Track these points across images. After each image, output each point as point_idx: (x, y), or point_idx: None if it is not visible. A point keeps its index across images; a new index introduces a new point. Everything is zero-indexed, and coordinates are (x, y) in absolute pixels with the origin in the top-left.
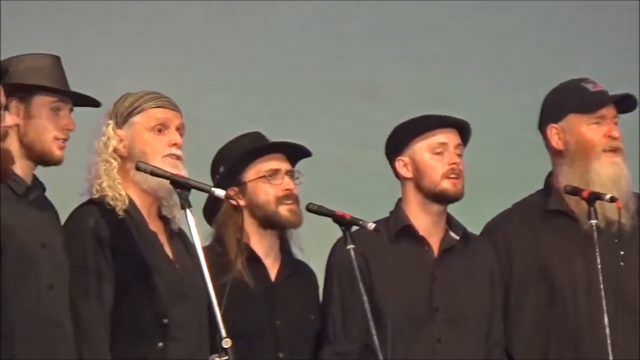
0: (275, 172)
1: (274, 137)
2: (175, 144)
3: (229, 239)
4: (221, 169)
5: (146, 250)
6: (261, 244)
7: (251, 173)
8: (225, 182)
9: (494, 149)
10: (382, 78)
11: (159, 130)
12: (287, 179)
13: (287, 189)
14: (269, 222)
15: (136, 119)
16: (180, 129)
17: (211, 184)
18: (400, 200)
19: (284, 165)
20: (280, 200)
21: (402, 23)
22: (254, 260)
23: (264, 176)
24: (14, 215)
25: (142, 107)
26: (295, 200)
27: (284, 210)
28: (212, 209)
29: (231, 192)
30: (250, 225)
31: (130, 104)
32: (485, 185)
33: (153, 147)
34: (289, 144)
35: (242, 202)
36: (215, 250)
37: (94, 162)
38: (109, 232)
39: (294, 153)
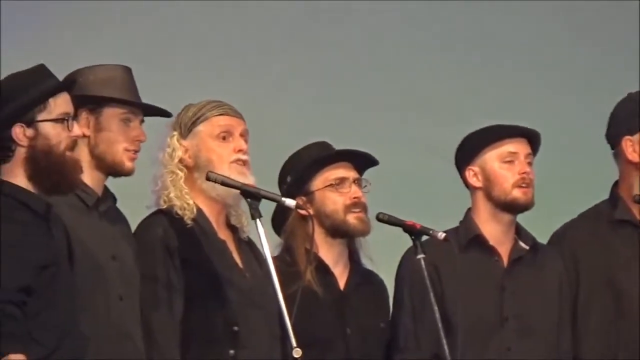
0: (342, 181)
1: (340, 146)
2: (240, 150)
3: (297, 248)
4: (288, 179)
5: (215, 259)
6: (330, 252)
7: (318, 182)
8: (293, 191)
9: (562, 158)
10: (447, 87)
11: (224, 138)
12: (354, 187)
13: (355, 197)
14: (337, 231)
15: (200, 127)
16: (244, 135)
17: (279, 193)
18: (470, 210)
19: (352, 174)
20: (348, 209)
21: (468, 32)
22: (323, 269)
23: (331, 184)
24: (84, 227)
25: (205, 116)
26: (363, 208)
27: (352, 218)
28: (280, 219)
29: (299, 202)
30: (318, 235)
31: (193, 114)
32: (552, 194)
33: (219, 155)
34: (356, 152)
35: (310, 211)
36: (284, 259)
37: (160, 174)
38: (178, 241)
39: (361, 162)
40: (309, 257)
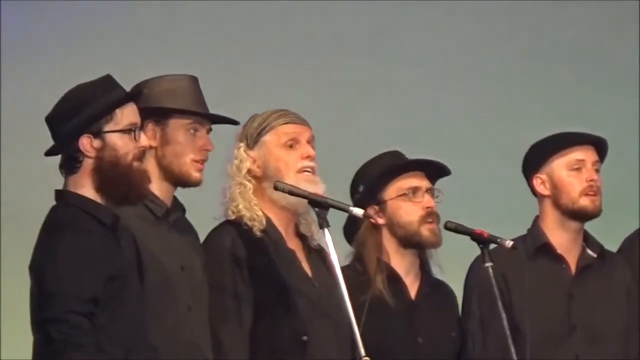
0: (415, 190)
1: (412, 155)
2: (308, 157)
3: (369, 257)
4: (361, 188)
5: (284, 269)
6: (401, 262)
7: (391, 191)
8: (365, 200)
9: (627, 166)
10: (520, 95)
11: (290, 146)
12: (427, 196)
13: (427, 207)
14: (409, 242)
15: (267, 137)
16: (311, 142)
17: (351, 203)
18: (537, 218)
19: (424, 183)
20: (422, 219)
21: (550, 37)
22: (394, 279)
23: (404, 194)
24: (153, 238)
25: (271, 125)
26: (436, 218)
27: (425, 230)
28: (352, 228)
29: (371, 211)
30: (390, 244)
31: (258, 124)
32: (619, 201)
33: (286, 163)
34: (429, 161)
35: (381, 221)
36: (355, 268)
37: (229, 186)
38: (246, 252)
39: (433, 171)
40: (380, 266)
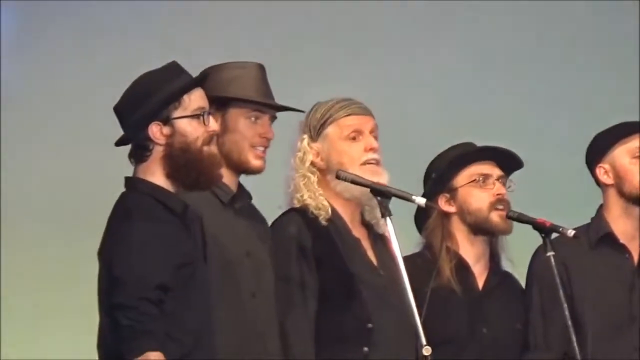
0: (486, 177)
1: None
2: (371, 149)
3: (438, 245)
4: (433, 176)
5: (349, 257)
6: (471, 251)
7: (462, 178)
8: (436, 188)
9: None
10: (584, 84)
11: (353, 138)
12: (498, 184)
13: (498, 194)
14: (479, 228)
15: (329, 130)
16: (374, 131)
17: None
18: (601, 207)
19: (496, 171)
20: (492, 206)
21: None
22: (462, 267)
23: (475, 180)
24: (219, 224)
25: (333, 118)
26: (507, 206)
27: (495, 216)
28: (422, 217)
29: (442, 199)
30: (460, 232)
31: (321, 115)
32: None
33: (350, 156)
34: (501, 149)
35: (452, 209)
36: (424, 256)
37: (293, 177)
38: (312, 240)
39: (506, 162)
40: (449, 255)
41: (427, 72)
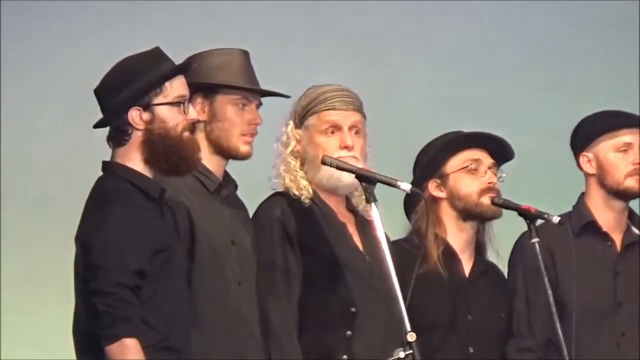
0: (478, 164)
1: None
2: (346, 147)
3: (426, 231)
4: (424, 161)
5: (334, 241)
6: (459, 238)
7: (453, 164)
8: (427, 173)
9: None
10: (580, 71)
11: (332, 132)
12: (490, 173)
13: (489, 182)
14: (469, 214)
15: (310, 121)
16: (355, 126)
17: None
18: (583, 195)
19: (487, 159)
20: (483, 192)
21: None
22: (449, 254)
23: (467, 167)
24: (205, 211)
25: (314, 110)
26: (497, 195)
27: (486, 200)
28: (411, 202)
29: (432, 184)
30: (449, 218)
31: (306, 104)
32: None
33: (324, 150)
34: (493, 136)
35: (442, 194)
36: (412, 242)
37: (275, 163)
38: (296, 222)
39: (498, 153)
40: (437, 241)
41: (419, 59)
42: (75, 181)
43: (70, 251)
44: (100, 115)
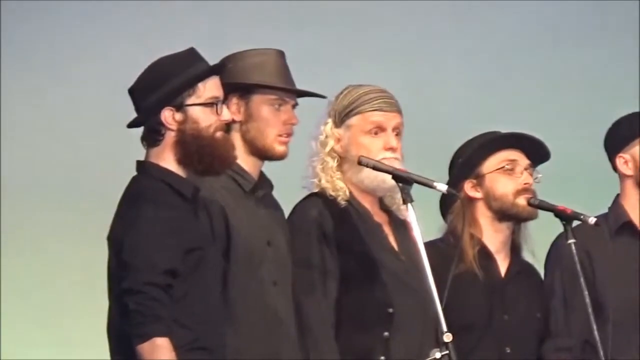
0: (515, 164)
1: None
2: (390, 148)
3: (462, 231)
4: (460, 161)
5: (370, 241)
6: (495, 238)
7: (489, 164)
8: (463, 173)
9: None
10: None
11: (375, 133)
12: (526, 174)
13: (526, 183)
14: (505, 214)
15: (353, 120)
16: (397, 128)
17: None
18: (618, 196)
19: (524, 160)
20: (519, 193)
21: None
22: (485, 254)
23: (503, 167)
24: (241, 212)
25: (358, 110)
26: (534, 196)
27: (522, 201)
28: (447, 202)
29: (468, 185)
30: (485, 218)
31: (348, 103)
32: None
33: (368, 151)
34: (529, 136)
35: (478, 194)
36: (447, 242)
37: (312, 161)
38: (333, 223)
39: (534, 153)
40: (472, 241)
41: (456, 58)
42: (111, 182)
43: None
44: (133, 115)
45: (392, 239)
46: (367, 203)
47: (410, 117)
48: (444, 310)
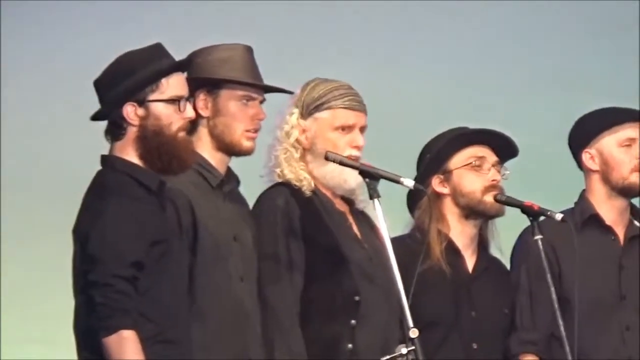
0: (482, 161)
1: None
2: (356, 146)
3: (429, 227)
4: (427, 157)
5: (336, 230)
6: (462, 234)
7: (457, 160)
8: (431, 169)
9: None
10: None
11: (343, 129)
12: (493, 170)
13: (493, 180)
14: (472, 211)
15: (323, 114)
16: (364, 128)
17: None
18: (584, 191)
19: (491, 156)
20: (486, 190)
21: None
22: (452, 250)
23: (470, 164)
24: (207, 207)
25: (329, 105)
26: (501, 192)
27: (489, 198)
28: (414, 198)
29: (436, 180)
30: (452, 214)
31: (318, 96)
32: None
33: (334, 146)
34: (497, 133)
35: (446, 190)
36: (415, 237)
37: (275, 150)
38: (300, 212)
39: (502, 149)
40: (440, 237)
41: (422, 55)
42: (76, 175)
43: (70, 248)
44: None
45: (355, 228)
46: (330, 192)
47: (380, 114)
48: (410, 306)
